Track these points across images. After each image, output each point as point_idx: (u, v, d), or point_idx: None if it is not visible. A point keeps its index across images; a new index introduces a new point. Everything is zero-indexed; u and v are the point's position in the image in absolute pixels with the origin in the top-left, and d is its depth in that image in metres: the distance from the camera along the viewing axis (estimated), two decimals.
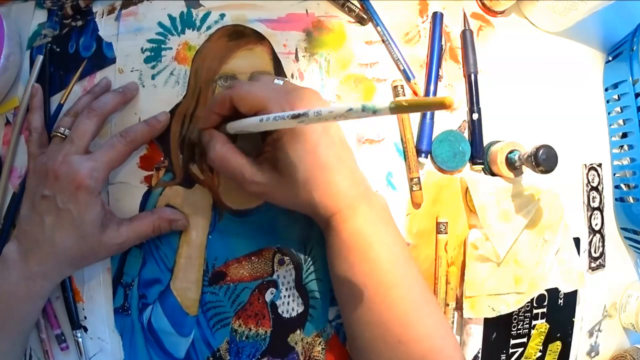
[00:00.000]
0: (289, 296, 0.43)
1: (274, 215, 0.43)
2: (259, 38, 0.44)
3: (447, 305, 0.45)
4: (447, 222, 0.45)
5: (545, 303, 0.48)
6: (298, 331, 0.43)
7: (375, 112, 0.25)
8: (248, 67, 0.44)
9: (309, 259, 0.43)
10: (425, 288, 0.37)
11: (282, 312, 0.43)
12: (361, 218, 0.36)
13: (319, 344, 0.43)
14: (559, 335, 0.49)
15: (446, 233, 0.45)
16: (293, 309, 0.43)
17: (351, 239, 0.36)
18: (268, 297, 0.43)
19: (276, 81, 0.38)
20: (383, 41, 0.46)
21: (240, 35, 0.44)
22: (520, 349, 0.48)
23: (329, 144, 0.36)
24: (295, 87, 0.37)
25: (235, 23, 0.44)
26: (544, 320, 0.49)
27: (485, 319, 0.46)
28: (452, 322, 0.45)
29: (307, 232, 0.43)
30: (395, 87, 0.45)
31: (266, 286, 0.43)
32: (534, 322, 0.48)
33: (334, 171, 0.35)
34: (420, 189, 0.45)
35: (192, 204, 0.42)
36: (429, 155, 0.46)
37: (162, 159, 0.43)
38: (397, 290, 0.35)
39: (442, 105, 0.23)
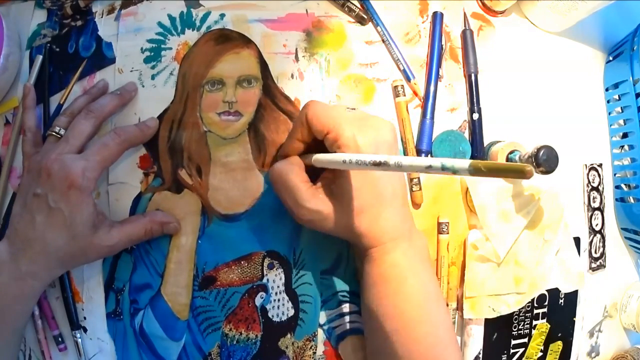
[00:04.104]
0: (279, 300, 0.43)
1: (263, 220, 0.43)
2: (246, 42, 0.44)
3: (447, 305, 0.45)
4: (448, 222, 0.45)
5: (546, 303, 0.48)
6: (289, 335, 0.43)
7: (454, 172, 0.25)
8: (235, 70, 0.43)
9: (299, 263, 0.43)
10: (452, 327, 0.38)
11: (273, 316, 0.43)
12: (400, 252, 0.36)
13: (310, 348, 0.43)
14: (560, 335, 0.49)
15: (448, 233, 0.45)
16: (283, 313, 0.43)
17: (388, 271, 0.36)
18: (258, 301, 0.42)
19: (347, 109, 0.38)
20: (383, 41, 0.46)
21: (227, 39, 0.44)
22: (522, 349, 0.48)
23: (389, 178, 0.36)
24: (367, 115, 0.37)
25: (234, 24, 0.44)
26: (544, 321, 0.49)
27: (486, 320, 0.46)
28: (453, 323, 0.45)
29: (296, 237, 0.43)
30: (396, 87, 0.45)
31: (256, 290, 0.43)
32: (534, 322, 0.48)
33: (387, 205, 0.36)
34: (420, 189, 0.45)
35: (181, 209, 0.42)
36: (429, 156, 0.46)
37: (151, 164, 0.42)
38: (425, 327, 0.36)
39: (522, 174, 0.23)
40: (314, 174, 0.39)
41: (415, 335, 0.35)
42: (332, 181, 0.37)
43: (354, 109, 0.38)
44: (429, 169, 0.27)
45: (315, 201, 0.36)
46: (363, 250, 0.38)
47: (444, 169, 0.26)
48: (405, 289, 0.36)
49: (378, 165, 0.29)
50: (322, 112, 0.36)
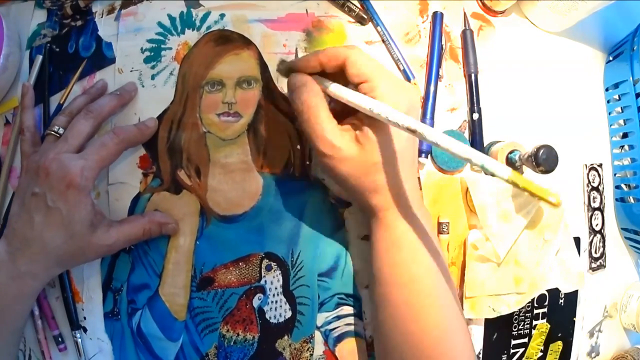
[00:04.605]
0: (276, 302, 0.43)
1: (261, 221, 0.43)
2: (246, 43, 0.44)
3: None
4: (448, 222, 0.45)
5: (546, 303, 0.48)
6: (286, 337, 0.43)
7: (493, 175, 0.27)
8: (235, 72, 0.43)
9: (297, 265, 0.43)
10: (459, 306, 0.38)
11: (270, 317, 0.43)
12: (412, 218, 0.36)
13: (307, 350, 0.43)
14: (560, 335, 0.49)
15: (448, 233, 0.45)
16: (281, 315, 0.43)
17: (402, 237, 0.36)
18: (255, 302, 0.42)
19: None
20: (383, 41, 0.46)
21: (227, 40, 0.44)
22: (522, 349, 0.48)
23: (410, 143, 0.36)
24: (400, 79, 0.38)
25: (234, 24, 0.44)
26: (544, 321, 0.49)
27: (486, 320, 0.46)
28: None
29: (295, 238, 0.43)
30: None
31: (254, 292, 0.43)
32: (534, 322, 0.48)
33: (405, 168, 0.36)
34: (420, 189, 0.45)
35: (179, 210, 0.42)
36: (429, 155, 0.46)
37: (150, 165, 0.42)
38: (438, 299, 0.36)
39: (551, 203, 0.25)
40: (336, 115, 0.37)
41: (428, 305, 0.35)
42: (358, 128, 0.36)
43: None
44: (468, 160, 0.27)
45: (339, 139, 0.35)
46: (375, 211, 0.37)
47: (483, 168, 0.27)
48: (419, 257, 0.35)
49: (413, 131, 0.29)
50: (364, 60, 0.35)
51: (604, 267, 0.52)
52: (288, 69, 0.38)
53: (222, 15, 0.44)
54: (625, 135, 0.52)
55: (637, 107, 0.48)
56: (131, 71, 0.43)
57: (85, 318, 0.42)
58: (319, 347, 0.43)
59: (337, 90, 0.35)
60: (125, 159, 0.42)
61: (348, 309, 0.44)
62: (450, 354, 0.35)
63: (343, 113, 0.37)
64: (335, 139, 0.35)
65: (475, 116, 0.46)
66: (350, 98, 0.34)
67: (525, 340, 0.48)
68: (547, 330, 0.49)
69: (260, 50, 0.44)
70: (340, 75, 0.36)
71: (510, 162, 0.45)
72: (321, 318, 0.43)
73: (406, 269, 0.36)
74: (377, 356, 0.40)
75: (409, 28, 0.47)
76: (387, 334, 0.37)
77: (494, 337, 0.47)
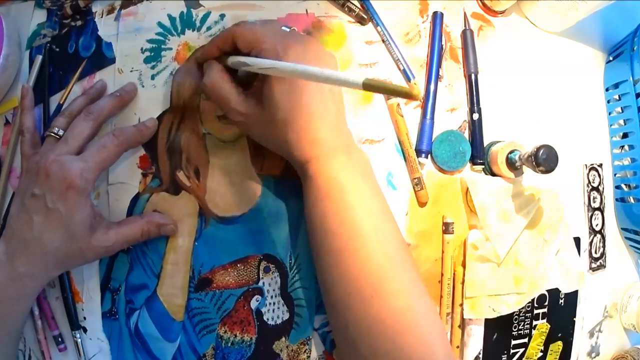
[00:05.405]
0: (274, 304, 0.43)
1: (260, 223, 0.43)
2: None
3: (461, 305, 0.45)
4: (453, 223, 0.45)
5: (546, 303, 0.48)
6: (283, 338, 0.43)
7: (345, 85, 0.29)
8: None
9: (295, 266, 0.43)
10: (403, 245, 0.37)
11: (268, 319, 0.43)
12: (338, 166, 0.36)
13: (304, 351, 0.43)
14: (560, 335, 0.49)
15: (453, 233, 0.45)
16: (278, 317, 0.43)
17: (326, 185, 0.36)
18: (253, 304, 0.42)
19: (283, 28, 0.39)
20: (383, 41, 0.46)
21: None
22: (522, 349, 0.48)
23: (315, 91, 0.36)
24: (298, 33, 0.38)
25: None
26: (544, 321, 0.49)
27: (486, 320, 0.46)
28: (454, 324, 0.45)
29: (293, 240, 0.43)
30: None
31: (251, 293, 0.42)
32: (535, 322, 0.48)
33: (315, 118, 0.36)
34: (422, 188, 0.45)
35: (178, 211, 0.42)
36: (429, 156, 0.46)
37: (149, 165, 0.42)
38: (372, 243, 0.35)
39: (409, 96, 0.25)
40: (248, 84, 0.40)
41: (363, 253, 0.34)
42: (260, 89, 0.37)
43: (288, 29, 0.39)
44: (313, 77, 0.30)
45: (245, 105, 0.37)
46: (299, 166, 0.38)
47: (333, 81, 0.29)
48: (347, 203, 0.35)
49: (267, 68, 0.32)
50: (248, 31, 0.37)
51: (604, 267, 0.52)
52: (197, 62, 0.42)
53: (222, 16, 0.44)
54: (625, 135, 0.52)
55: (637, 107, 0.48)
56: (131, 71, 0.43)
57: (85, 318, 0.42)
58: (316, 349, 0.43)
59: (233, 59, 0.38)
60: (125, 159, 0.42)
61: None
62: (389, 287, 0.34)
63: (249, 79, 0.40)
64: (240, 107, 0.37)
65: (475, 116, 0.46)
66: (243, 61, 0.36)
67: (525, 340, 0.48)
68: (547, 331, 0.49)
69: None
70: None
71: (510, 162, 0.45)
72: (319, 320, 0.43)
73: (336, 216, 0.35)
74: (333, 325, 0.39)
75: (409, 28, 0.47)
76: (329, 288, 0.36)
77: (494, 337, 0.47)
